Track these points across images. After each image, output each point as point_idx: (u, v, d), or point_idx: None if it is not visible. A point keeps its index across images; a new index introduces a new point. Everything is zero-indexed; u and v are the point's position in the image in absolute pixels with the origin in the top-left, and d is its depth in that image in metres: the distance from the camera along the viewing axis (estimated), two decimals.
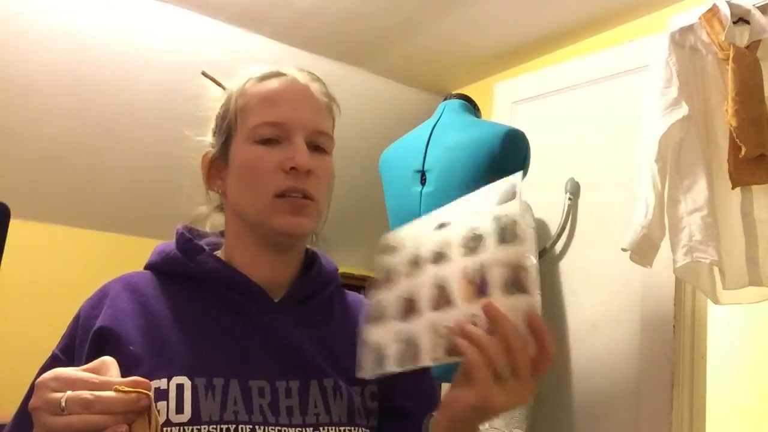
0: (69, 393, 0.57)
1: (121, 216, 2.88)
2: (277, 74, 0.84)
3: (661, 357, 1.93)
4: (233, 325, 0.79)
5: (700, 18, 1.74)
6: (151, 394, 0.60)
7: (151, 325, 0.77)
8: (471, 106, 1.83)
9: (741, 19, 1.71)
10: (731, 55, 1.64)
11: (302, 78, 0.85)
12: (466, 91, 2.33)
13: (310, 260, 0.90)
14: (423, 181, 1.70)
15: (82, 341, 0.77)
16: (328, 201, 0.86)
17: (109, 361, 0.61)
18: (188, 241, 0.84)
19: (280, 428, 0.73)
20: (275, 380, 0.75)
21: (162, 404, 0.69)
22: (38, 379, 0.59)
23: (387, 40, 2.65)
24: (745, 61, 1.65)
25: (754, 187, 1.67)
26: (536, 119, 2.48)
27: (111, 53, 2.48)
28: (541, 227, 2.33)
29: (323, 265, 0.89)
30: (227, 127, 0.83)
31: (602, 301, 2.12)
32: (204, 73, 0.90)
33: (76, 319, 0.80)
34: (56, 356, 0.79)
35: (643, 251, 1.67)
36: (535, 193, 2.29)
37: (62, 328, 0.82)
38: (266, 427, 0.72)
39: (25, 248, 2.56)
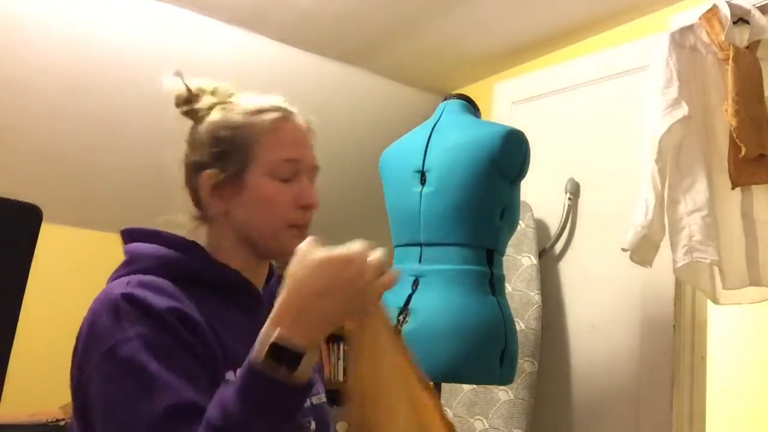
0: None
1: (117, 215, 2.88)
2: (285, 111, 0.95)
3: (661, 357, 1.93)
4: (246, 321, 0.87)
5: (700, 18, 1.74)
6: None
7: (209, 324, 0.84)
8: (471, 106, 1.83)
9: (741, 19, 1.71)
10: (731, 55, 1.64)
11: (302, 117, 0.97)
12: (466, 91, 2.33)
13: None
14: (423, 181, 1.69)
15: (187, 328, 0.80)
16: None
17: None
18: (202, 250, 0.92)
19: None
20: None
21: None
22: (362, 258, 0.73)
23: (387, 40, 2.65)
24: (745, 61, 1.65)
25: (754, 187, 1.67)
26: (536, 119, 2.48)
27: (110, 53, 2.48)
28: (541, 227, 2.33)
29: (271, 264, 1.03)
30: (240, 157, 0.91)
31: (602, 302, 2.12)
32: (178, 74, 0.97)
33: (160, 312, 0.79)
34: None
35: (642, 251, 1.67)
36: (535, 193, 2.29)
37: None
38: None
39: None
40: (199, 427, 0.68)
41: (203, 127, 0.94)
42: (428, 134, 1.74)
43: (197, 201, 0.95)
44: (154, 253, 0.88)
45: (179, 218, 0.96)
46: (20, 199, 1.15)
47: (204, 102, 0.96)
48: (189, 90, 0.96)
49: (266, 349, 0.68)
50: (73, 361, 0.81)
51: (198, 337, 0.79)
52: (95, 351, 0.76)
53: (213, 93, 0.97)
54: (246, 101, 0.95)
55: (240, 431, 0.67)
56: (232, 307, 0.89)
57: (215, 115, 0.94)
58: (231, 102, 0.96)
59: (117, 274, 0.87)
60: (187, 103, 0.96)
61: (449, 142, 1.68)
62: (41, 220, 1.17)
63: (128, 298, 0.78)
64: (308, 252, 0.74)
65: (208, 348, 0.80)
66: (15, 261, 1.15)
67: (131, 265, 0.87)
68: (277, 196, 0.92)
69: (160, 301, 0.79)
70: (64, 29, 2.37)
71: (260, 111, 0.93)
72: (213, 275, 0.90)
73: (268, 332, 0.70)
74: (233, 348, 0.82)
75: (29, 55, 2.39)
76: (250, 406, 0.67)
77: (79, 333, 0.80)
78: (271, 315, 0.72)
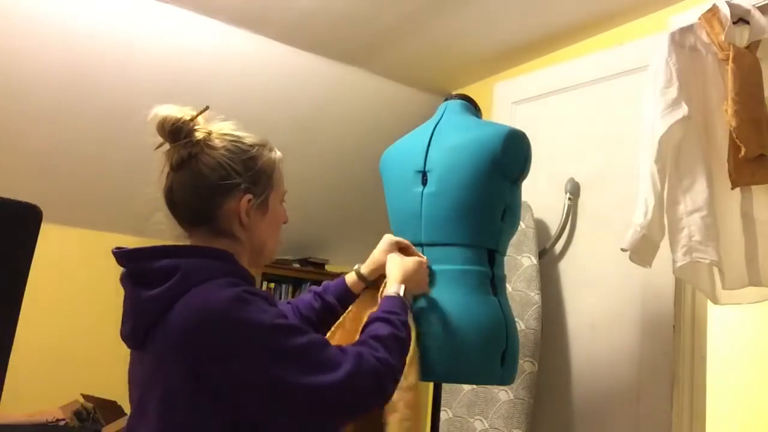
0: None
1: (117, 215, 2.88)
2: (272, 146, 1.18)
3: (661, 357, 1.93)
4: None
5: (700, 18, 1.74)
6: None
7: None
8: (472, 106, 1.83)
9: (741, 19, 1.71)
10: (731, 56, 1.64)
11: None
12: (466, 91, 2.32)
13: None
14: (424, 182, 1.69)
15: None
16: None
17: None
18: (233, 257, 1.09)
19: None
20: None
21: None
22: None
23: (387, 40, 2.65)
24: (745, 61, 1.65)
25: (754, 187, 1.67)
26: (536, 119, 2.48)
27: (110, 53, 2.48)
28: (541, 227, 2.33)
29: None
30: (267, 185, 1.12)
31: (602, 302, 2.12)
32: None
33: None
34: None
35: (642, 251, 1.67)
36: (535, 193, 2.29)
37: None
38: None
39: None
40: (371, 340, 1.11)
41: (217, 153, 1.06)
42: (429, 134, 1.74)
43: (212, 216, 1.07)
44: (209, 266, 1.03)
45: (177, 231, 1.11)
46: (20, 199, 1.15)
47: (201, 128, 1.08)
48: (187, 116, 1.07)
49: (402, 290, 1.31)
50: (199, 351, 0.94)
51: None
52: (251, 334, 0.96)
53: (200, 120, 1.09)
54: (240, 132, 1.11)
55: (399, 320, 1.19)
56: None
57: (224, 143, 1.08)
58: (229, 132, 1.10)
59: (179, 288, 0.99)
60: (182, 128, 1.06)
61: (450, 142, 1.68)
62: (41, 220, 1.18)
63: (250, 292, 1.00)
64: (402, 258, 1.46)
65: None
66: (15, 261, 1.15)
67: (188, 280, 1.00)
68: (282, 217, 1.18)
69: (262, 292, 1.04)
70: (64, 30, 2.38)
71: (264, 145, 1.13)
72: (246, 277, 1.08)
73: (397, 286, 1.32)
74: None
75: (29, 55, 2.39)
76: (403, 311, 1.24)
77: (207, 327, 0.95)
78: (395, 277, 1.35)
